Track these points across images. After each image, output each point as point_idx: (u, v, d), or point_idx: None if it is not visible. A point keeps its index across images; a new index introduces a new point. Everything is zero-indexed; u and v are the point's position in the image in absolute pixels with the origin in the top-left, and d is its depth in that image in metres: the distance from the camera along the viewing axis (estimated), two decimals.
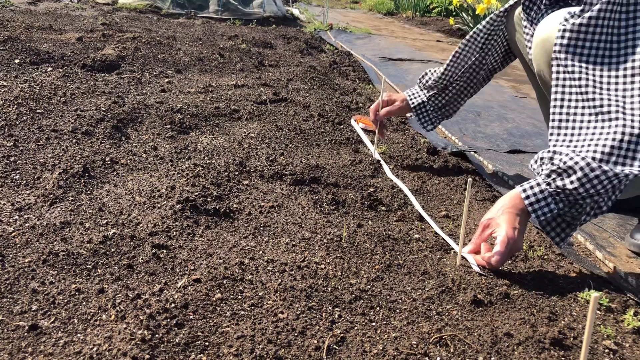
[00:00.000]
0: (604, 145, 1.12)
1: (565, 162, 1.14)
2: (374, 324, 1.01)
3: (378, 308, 1.06)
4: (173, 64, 3.10)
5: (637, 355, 1.00)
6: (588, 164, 1.11)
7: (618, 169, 1.11)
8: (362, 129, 2.17)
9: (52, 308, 0.98)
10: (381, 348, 0.94)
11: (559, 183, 1.15)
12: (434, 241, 1.36)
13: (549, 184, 1.18)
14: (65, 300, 1.00)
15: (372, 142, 2.02)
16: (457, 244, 1.31)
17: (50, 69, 2.65)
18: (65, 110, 2.05)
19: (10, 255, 1.13)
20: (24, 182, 1.47)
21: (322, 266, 1.19)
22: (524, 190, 1.21)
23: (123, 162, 1.67)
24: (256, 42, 4.13)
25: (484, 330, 1.02)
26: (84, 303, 1.00)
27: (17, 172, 1.53)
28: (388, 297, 1.10)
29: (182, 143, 1.89)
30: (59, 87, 2.33)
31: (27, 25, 3.77)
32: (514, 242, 1.19)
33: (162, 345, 0.90)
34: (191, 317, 0.99)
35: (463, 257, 1.25)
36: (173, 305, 1.00)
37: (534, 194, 1.19)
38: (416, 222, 1.46)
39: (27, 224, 1.25)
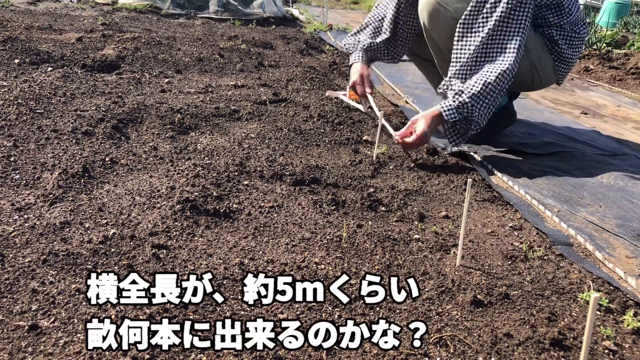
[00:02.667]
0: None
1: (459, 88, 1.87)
2: (374, 325, 1.01)
3: (378, 309, 1.06)
4: (173, 64, 3.10)
5: (637, 356, 1.00)
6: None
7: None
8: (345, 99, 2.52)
9: (52, 308, 0.98)
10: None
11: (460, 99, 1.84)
12: (434, 242, 1.36)
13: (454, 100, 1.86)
14: (65, 300, 1.01)
15: (388, 135, 2.02)
16: (457, 244, 1.32)
17: (50, 69, 2.65)
18: (65, 111, 2.05)
19: (10, 255, 1.13)
20: (24, 182, 1.48)
21: (322, 266, 1.19)
22: (443, 108, 1.88)
23: (123, 162, 1.67)
24: (256, 42, 4.13)
25: (484, 330, 1.02)
26: (84, 303, 1.00)
27: (17, 172, 1.53)
28: (388, 297, 1.10)
29: (182, 143, 1.89)
30: (59, 87, 2.33)
31: (27, 25, 3.77)
32: (425, 134, 1.86)
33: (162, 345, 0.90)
34: (191, 317, 0.99)
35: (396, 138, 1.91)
36: (173, 305, 1.00)
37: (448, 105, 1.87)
38: (416, 223, 1.46)
39: (27, 224, 1.25)
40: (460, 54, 1.92)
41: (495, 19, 1.86)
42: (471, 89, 1.83)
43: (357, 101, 2.44)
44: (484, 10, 1.89)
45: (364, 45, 2.36)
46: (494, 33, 1.87)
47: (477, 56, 1.89)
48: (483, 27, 1.88)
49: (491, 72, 1.84)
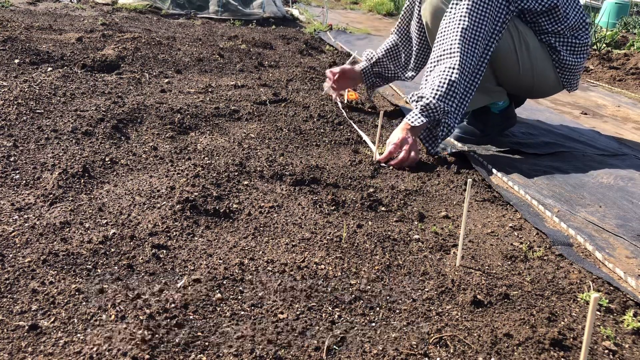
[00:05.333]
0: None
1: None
2: (373, 324, 1.01)
3: (378, 308, 1.07)
4: (173, 64, 3.10)
5: (637, 356, 1.00)
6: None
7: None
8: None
9: (52, 308, 0.98)
10: (381, 348, 0.94)
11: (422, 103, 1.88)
12: (434, 242, 1.36)
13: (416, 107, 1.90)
14: (65, 300, 1.01)
15: (374, 142, 2.02)
16: (457, 244, 1.32)
17: (50, 69, 2.65)
18: (65, 111, 2.05)
19: (10, 255, 1.13)
20: (24, 182, 1.47)
21: (322, 266, 1.19)
22: (408, 118, 1.91)
23: (123, 162, 1.67)
24: (256, 42, 4.13)
25: (484, 330, 1.02)
26: (84, 303, 1.00)
27: (17, 172, 1.53)
28: (388, 297, 1.10)
29: (182, 143, 1.89)
30: (59, 87, 2.33)
31: (27, 25, 3.77)
32: (409, 147, 1.85)
33: (162, 345, 0.90)
34: (191, 317, 0.99)
35: (379, 161, 1.88)
36: (173, 305, 1.00)
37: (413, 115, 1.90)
38: (416, 223, 1.46)
39: (27, 224, 1.25)
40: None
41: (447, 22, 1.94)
42: (432, 91, 1.87)
43: (341, 101, 2.61)
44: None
45: (370, 57, 2.55)
46: (443, 35, 1.93)
47: (434, 60, 1.93)
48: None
49: (445, 69, 1.88)
